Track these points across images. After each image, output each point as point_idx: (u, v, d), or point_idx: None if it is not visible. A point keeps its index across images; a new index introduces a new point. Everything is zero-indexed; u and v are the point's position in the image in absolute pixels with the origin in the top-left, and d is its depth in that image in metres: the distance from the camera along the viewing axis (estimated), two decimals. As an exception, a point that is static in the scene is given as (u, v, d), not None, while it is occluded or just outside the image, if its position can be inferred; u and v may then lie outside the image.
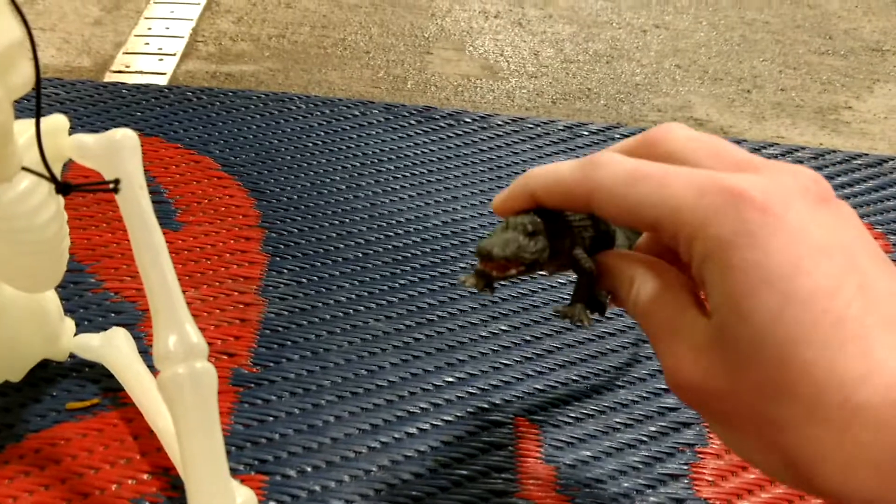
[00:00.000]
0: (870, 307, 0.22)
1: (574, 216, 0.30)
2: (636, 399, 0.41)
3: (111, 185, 0.29)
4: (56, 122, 0.31)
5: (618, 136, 0.59)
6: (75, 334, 0.39)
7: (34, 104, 0.29)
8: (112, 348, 0.38)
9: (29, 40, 0.28)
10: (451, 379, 0.41)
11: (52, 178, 0.28)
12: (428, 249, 0.49)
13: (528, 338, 0.43)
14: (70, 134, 0.32)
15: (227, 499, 0.29)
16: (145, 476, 0.35)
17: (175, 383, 0.29)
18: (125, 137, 0.31)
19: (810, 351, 0.22)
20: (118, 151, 0.30)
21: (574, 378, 0.42)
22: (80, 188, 0.29)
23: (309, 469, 0.36)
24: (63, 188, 0.29)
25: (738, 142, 0.59)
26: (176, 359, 0.30)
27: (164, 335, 0.30)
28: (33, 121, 0.30)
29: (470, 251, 0.49)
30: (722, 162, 0.26)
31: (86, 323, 0.42)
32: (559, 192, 0.29)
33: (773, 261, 0.23)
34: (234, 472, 0.30)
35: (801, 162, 0.58)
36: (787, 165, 0.26)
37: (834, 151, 0.59)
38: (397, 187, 0.53)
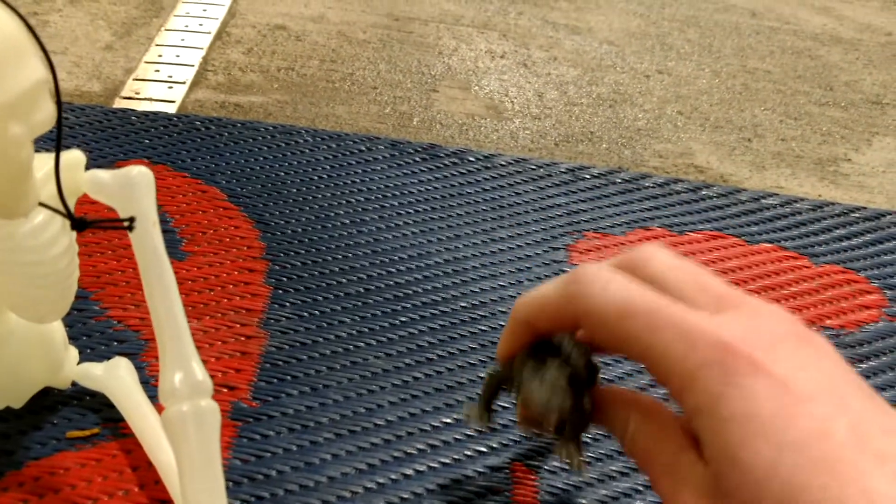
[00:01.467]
0: (862, 446, 0.23)
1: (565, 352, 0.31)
2: (632, 446, 0.41)
3: (126, 224, 0.30)
4: (73, 158, 0.32)
5: (619, 180, 0.59)
6: (78, 363, 0.39)
7: (51, 136, 0.30)
8: (114, 378, 0.38)
9: (52, 78, 0.29)
10: (448, 420, 0.41)
11: (69, 215, 0.29)
12: (429, 287, 0.49)
13: (527, 381, 0.44)
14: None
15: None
16: (143, 509, 0.35)
17: (179, 420, 0.30)
18: (140, 175, 0.31)
19: (811, 497, 0.22)
20: (134, 189, 0.31)
21: (571, 423, 0.42)
22: (95, 224, 0.29)
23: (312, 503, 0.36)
24: (78, 224, 0.29)
25: (738, 190, 0.60)
26: (181, 396, 0.30)
27: (171, 372, 0.30)
28: (51, 155, 0.30)
29: (471, 290, 0.49)
30: (705, 295, 0.27)
31: (88, 351, 0.42)
32: (547, 315, 0.30)
33: (763, 411, 0.23)
34: (232, 510, 0.30)
35: (799, 213, 0.59)
36: (765, 305, 0.27)
37: (832, 204, 0.60)
38: (400, 223, 0.54)
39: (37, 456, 0.37)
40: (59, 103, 0.28)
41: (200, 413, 0.30)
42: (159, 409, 0.37)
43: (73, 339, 0.41)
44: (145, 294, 0.31)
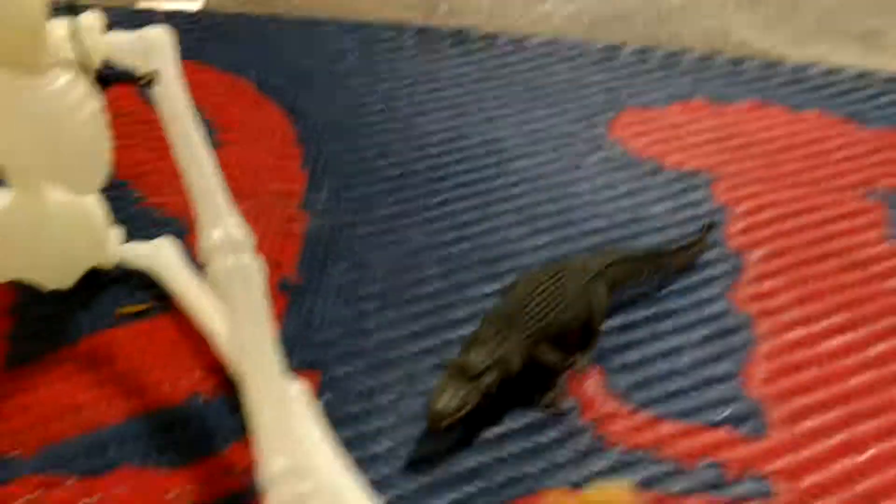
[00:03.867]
0: None
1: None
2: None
3: (146, 79, 0.29)
4: (91, 19, 0.32)
5: (656, 56, 0.58)
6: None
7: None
8: (160, 256, 0.39)
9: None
10: (488, 291, 0.41)
11: (91, 71, 0.29)
12: (467, 167, 0.49)
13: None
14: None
15: (281, 384, 0.29)
16: (197, 375, 0.35)
17: (225, 277, 0.29)
18: (158, 34, 0.31)
19: None
20: (153, 47, 0.31)
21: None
22: (118, 79, 0.29)
23: (361, 366, 0.37)
24: (102, 79, 0.29)
25: (780, 62, 0.58)
26: (222, 251, 0.29)
27: (209, 229, 0.30)
28: (70, 18, 0.30)
29: (511, 168, 0.49)
30: None
31: (132, 237, 0.42)
32: None
33: None
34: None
35: (843, 82, 0.57)
36: None
37: (875, 72, 0.58)
38: (432, 108, 0.53)
39: (90, 331, 0.37)
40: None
41: (244, 268, 0.29)
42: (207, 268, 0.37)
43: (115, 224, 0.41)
44: (174, 155, 0.30)
